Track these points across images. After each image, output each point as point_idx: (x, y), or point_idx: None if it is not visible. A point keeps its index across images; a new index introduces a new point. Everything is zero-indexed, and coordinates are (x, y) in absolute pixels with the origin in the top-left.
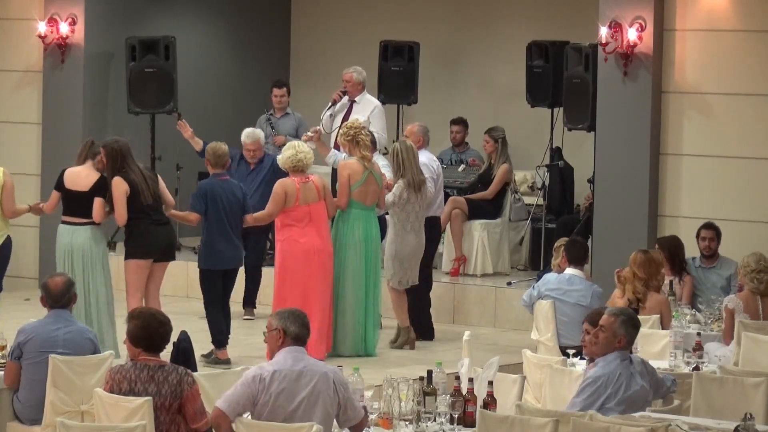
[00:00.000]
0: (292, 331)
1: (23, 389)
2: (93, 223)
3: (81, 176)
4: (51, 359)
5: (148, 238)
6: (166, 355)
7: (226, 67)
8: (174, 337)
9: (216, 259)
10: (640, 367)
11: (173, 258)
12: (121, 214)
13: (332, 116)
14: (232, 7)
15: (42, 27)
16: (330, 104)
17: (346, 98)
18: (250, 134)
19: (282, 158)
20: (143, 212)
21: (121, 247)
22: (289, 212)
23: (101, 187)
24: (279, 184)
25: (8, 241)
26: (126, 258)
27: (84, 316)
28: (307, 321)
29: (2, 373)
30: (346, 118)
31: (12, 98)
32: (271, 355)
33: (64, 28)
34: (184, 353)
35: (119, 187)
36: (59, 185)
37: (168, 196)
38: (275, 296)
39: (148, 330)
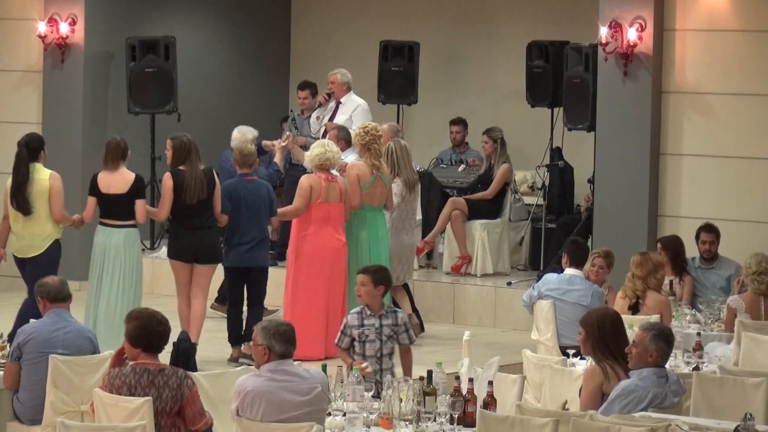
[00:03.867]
0: (278, 349)
1: (23, 389)
2: (130, 225)
3: (116, 179)
4: (51, 359)
5: (180, 241)
6: (165, 356)
7: (226, 67)
8: (174, 337)
9: (235, 258)
10: (676, 386)
11: (216, 261)
12: (161, 210)
13: (319, 118)
14: (233, 7)
15: (42, 27)
16: (317, 106)
17: (332, 100)
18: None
19: (310, 156)
20: (180, 213)
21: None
22: (310, 209)
23: (140, 188)
24: (305, 179)
25: (57, 245)
26: (168, 256)
27: (107, 318)
28: (292, 336)
29: (2, 373)
30: (332, 119)
31: (12, 98)
32: (258, 367)
33: (64, 28)
34: (184, 353)
35: (166, 183)
36: (94, 190)
37: (217, 206)
38: (286, 295)
39: (147, 330)
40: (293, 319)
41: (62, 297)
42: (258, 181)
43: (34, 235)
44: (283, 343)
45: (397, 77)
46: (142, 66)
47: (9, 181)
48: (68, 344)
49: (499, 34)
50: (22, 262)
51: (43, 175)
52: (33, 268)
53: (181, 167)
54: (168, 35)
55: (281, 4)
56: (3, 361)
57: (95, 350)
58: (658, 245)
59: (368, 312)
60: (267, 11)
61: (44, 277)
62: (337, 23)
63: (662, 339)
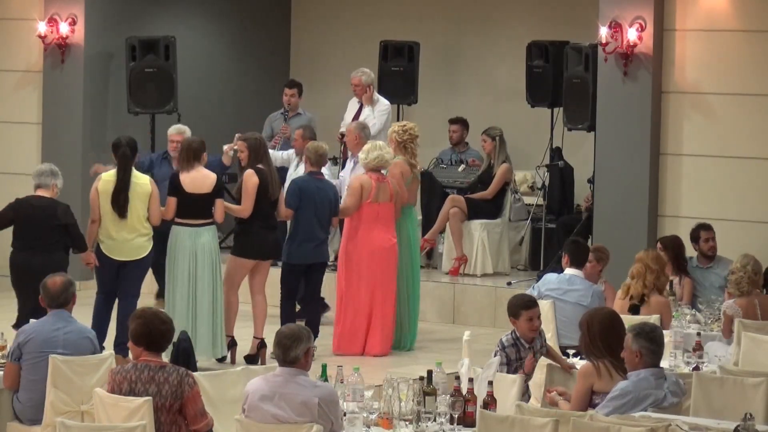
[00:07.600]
0: (279, 355)
1: (23, 389)
2: (212, 224)
3: (198, 179)
4: (51, 359)
5: (257, 238)
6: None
7: (226, 67)
8: (174, 337)
9: (300, 254)
10: (675, 387)
11: (279, 257)
12: (247, 207)
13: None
14: (233, 7)
15: (42, 27)
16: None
17: (354, 100)
18: (178, 128)
19: (365, 158)
20: (262, 211)
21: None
22: (360, 208)
23: (222, 188)
24: (356, 179)
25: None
26: (231, 253)
27: (207, 317)
28: (294, 343)
29: (2, 373)
30: (356, 117)
31: (12, 98)
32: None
33: (64, 28)
34: (184, 353)
35: (251, 179)
36: (177, 190)
37: (282, 205)
38: (338, 296)
39: (149, 328)
40: (345, 318)
41: (61, 302)
42: (325, 181)
43: (139, 237)
44: (282, 350)
45: (397, 77)
46: (142, 66)
47: (98, 184)
48: (68, 344)
49: (499, 34)
50: (119, 264)
51: (142, 179)
52: (135, 270)
53: (259, 165)
54: (168, 35)
55: (281, 4)
56: (3, 361)
57: (95, 350)
58: (659, 245)
59: (526, 345)
60: (267, 11)
61: (141, 277)
62: (337, 23)
63: (642, 336)
